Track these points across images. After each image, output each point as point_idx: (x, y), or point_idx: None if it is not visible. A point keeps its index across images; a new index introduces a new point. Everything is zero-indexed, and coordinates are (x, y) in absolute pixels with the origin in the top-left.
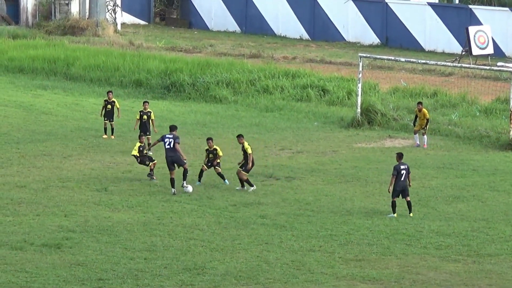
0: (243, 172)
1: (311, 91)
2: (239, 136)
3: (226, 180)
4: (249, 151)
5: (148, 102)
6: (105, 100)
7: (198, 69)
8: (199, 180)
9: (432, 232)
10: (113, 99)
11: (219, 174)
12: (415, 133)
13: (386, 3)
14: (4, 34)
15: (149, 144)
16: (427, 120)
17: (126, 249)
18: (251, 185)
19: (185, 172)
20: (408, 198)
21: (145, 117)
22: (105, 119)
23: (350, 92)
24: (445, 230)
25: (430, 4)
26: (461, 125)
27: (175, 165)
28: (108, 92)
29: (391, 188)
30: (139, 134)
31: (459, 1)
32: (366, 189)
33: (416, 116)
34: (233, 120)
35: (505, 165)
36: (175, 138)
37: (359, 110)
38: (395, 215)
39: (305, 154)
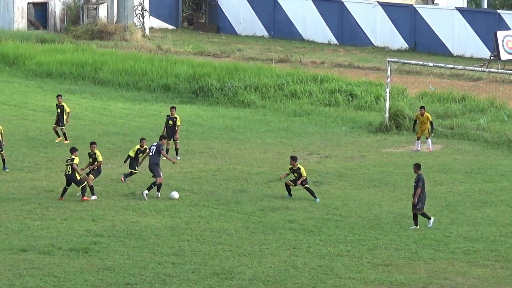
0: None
1: (339, 96)
2: (293, 158)
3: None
4: (304, 174)
5: (175, 108)
6: (56, 104)
7: (226, 74)
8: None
9: (460, 237)
10: (63, 103)
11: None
12: (418, 139)
13: (414, 7)
14: (32, 39)
15: (176, 149)
16: (431, 123)
17: (154, 254)
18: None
19: (154, 184)
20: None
21: (170, 122)
22: (55, 123)
23: (378, 97)
24: (473, 235)
25: (458, 9)
26: (489, 130)
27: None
28: (57, 96)
29: (416, 200)
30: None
31: (487, 6)
32: (394, 194)
33: (415, 121)
34: (261, 124)
35: None
36: (158, 146)
37: (387, 115)
38: (418, 226)
39: (333, 159)
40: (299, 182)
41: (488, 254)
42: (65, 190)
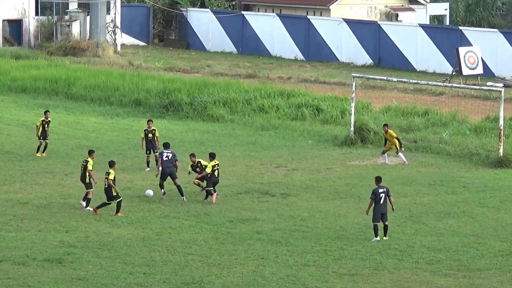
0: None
1: (305, 110)
2: (192, 155)
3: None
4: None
5: (152, 121)
6: (42, 120)
7: (195, 89)
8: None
9: (423, 247)
10: (49, 119)
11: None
12: (383, 153)
13: (379, 24)
14: (7, 55)
15: (149, 161)
16: (398, 139)
17: (126, 264)
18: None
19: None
20: (386, 223)
21: (150, 135)
22: (41, 138)
23: (344, 111)
24: (436, 245)
25: (421, 26)
26: (451, 143)
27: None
28: (45, 112)
29: (369, 211)
30: (145, 151)
31: (449, 23)
32: (359, 205)
33: (386, 139)
34: (229, 138)
35: (494, 182)
36: (174, 155)
37: (352, 128)
38: (378, 238)
39: (300, 171)
40: (200, 175)
41: (451, 264)
42: (104, 204)
